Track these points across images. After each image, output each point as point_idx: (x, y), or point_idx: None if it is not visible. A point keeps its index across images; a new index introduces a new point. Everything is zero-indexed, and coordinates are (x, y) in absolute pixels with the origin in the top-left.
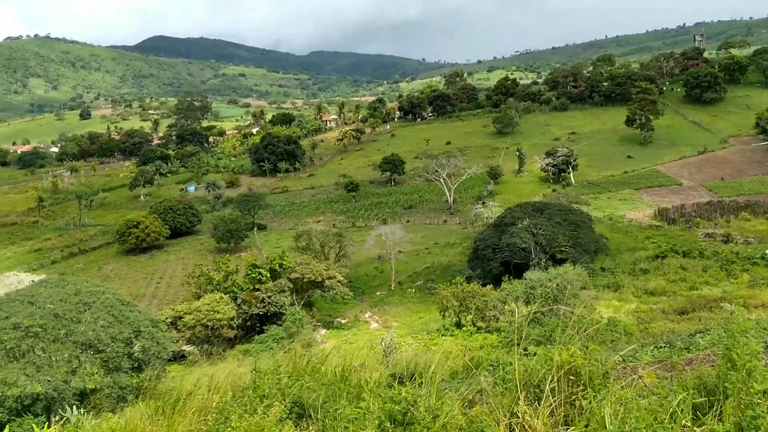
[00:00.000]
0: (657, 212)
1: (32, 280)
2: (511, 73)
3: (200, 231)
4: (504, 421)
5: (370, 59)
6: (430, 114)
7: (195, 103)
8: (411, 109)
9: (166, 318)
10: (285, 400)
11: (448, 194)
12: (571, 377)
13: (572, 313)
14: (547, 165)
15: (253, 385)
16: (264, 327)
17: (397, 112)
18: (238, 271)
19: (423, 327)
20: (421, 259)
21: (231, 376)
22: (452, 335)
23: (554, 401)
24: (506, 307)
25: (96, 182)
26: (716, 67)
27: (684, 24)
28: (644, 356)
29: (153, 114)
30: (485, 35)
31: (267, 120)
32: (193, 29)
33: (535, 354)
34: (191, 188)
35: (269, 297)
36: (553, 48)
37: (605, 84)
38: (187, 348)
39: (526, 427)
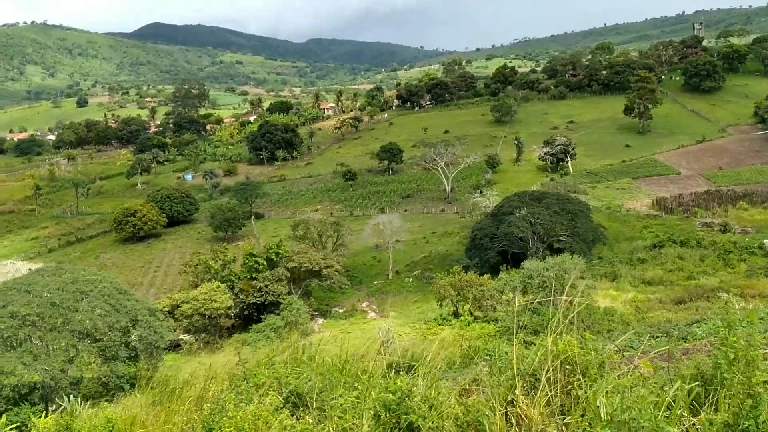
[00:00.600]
0: (655, 201)
1: (29, 269)
2: (510, 62)
3: (197, 220)
4: (500, 410)
5: (369, 47)
6: (428, 102)
7: (192, 90)
8: (409, 98)
9: (164, 307)
10: (282, 390)
11: (446, 183)
12: (567, 367)
13: (569, 302)
14: (545, 154)
15: (249, 375)
16: (261, 316)
17: (395, 101)
18: (235, 260)
19: (420, 316)
20: (419, 248)
21: (228, 365)
22: (449, 325)
23: (550, 391)
24: (503, 296)
25: (93, 170)
26: (715, 55)
27: (683, 12)
28: (641, 346)
29: (150, 102)
30: (484, 23)
31: (264, 108)
32: (191, 16)
33: (531, 344)
34: (188, 177)
35: (266, 286)
36: (551, 36)
37: (604, 72)
38: (183, 337)
39: (522, 416)
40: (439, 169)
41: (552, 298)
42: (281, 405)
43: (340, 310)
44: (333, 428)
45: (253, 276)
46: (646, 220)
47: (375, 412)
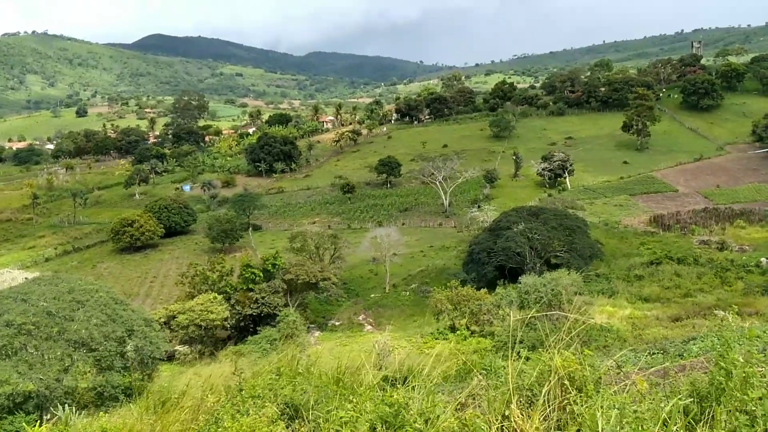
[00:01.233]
0: (652, 218)
1: (26, 278)
2: (509, 77)
3: (195, 231)
4: (496, 424)
5: (368, 61)
6: (427, 117)
7: (192, 102)
8: (408, 112)
9: (160, 318)
10: (277, 402)
11: (443, 197)
12: (564, 382)
13: (566, 318)
14: (543, 169)
15: (245, 386)
16: (257, 328)
17: (394, 114)
18: (232, 271)
19: (417, 330)
20: (416, 262)
21: (224, 377)
22: (446, 339)
23: (547, 406)
24: (500, 311)
25: (91, 180)
26: (713, 74)
27: (682, 30)
28: (637, 362)
29: (149, 112)
30: (484, 39)
31: (264, 120)
32: (192, 28)
33: (528, 359)
34: (187, 187)
35: (263, 298)
36: (551, 52)
37: (602, 89)
38: (179, 348)
39: (518, 431)
40: (437, 183)
41: (548, 313)
42: (277, 417)
43: (337, 323)
44: None
45: (250, 287)
46: (643, 236)
47: (371, 424)
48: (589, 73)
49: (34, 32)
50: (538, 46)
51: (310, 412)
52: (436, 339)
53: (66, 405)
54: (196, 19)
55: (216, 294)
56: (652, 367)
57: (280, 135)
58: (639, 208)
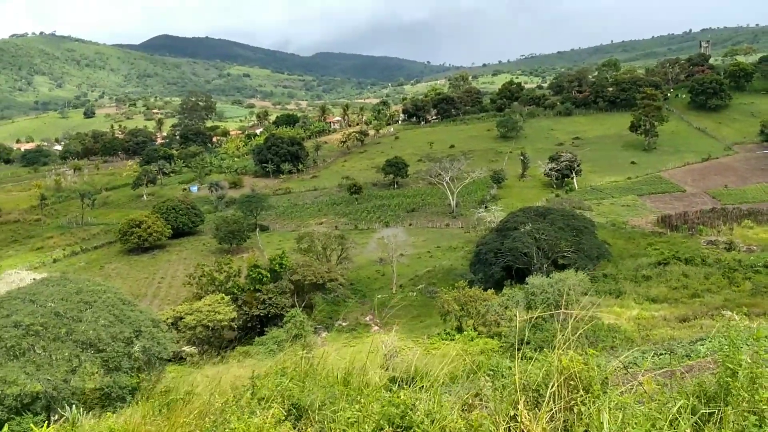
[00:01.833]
0: (660, 219)
1: (33, 279)
2: (516, 77)
3: (202, 231)
4: (503, 425)
5: (375, 61)
6: (434, 117)
7: (199, 102)
8: (415, 112)
9: (167, 318)
10: (284, 402)
11: (450, 198)
12: (570, 382)
13: (573, 318)
14: (550, 170)
15: (252, 387)
16: (264, 329)
17: (401, 115)
18: (240, 272)
19: (424, 331)
20: (423, 262)
21: (231, 377)
22: (453, 340)
23: (553, 406)
24: (507, 312)
25: (99, 181)
26: (722, 73)
27: (690, 30)
28: (644, 363)
29: (157, 113)
30: (491, 39)
31: (271, 121)
32: (200, 29)
33: (534, 359)
34: (194, 188)
35: (270, 298)
36: (558, 52)
37: (610, 89)
38: (187, 349)
39: (525, 431)
40: (444, 183)
41: (555, 312)
42: (283, 418)
43: (344, 324)
44: None
45: (257, 288)
46: (650, 237)
47: (378, 425)
48: (596, 73)
49: (42, 33)
50: (545, 46)
51: (317, 413)
52: (443, 340)
53: (73, 405)
54: (205, 20)
55: (223, 295)
56: (659, 367)
57: (287, 136)
58: (646, 209)
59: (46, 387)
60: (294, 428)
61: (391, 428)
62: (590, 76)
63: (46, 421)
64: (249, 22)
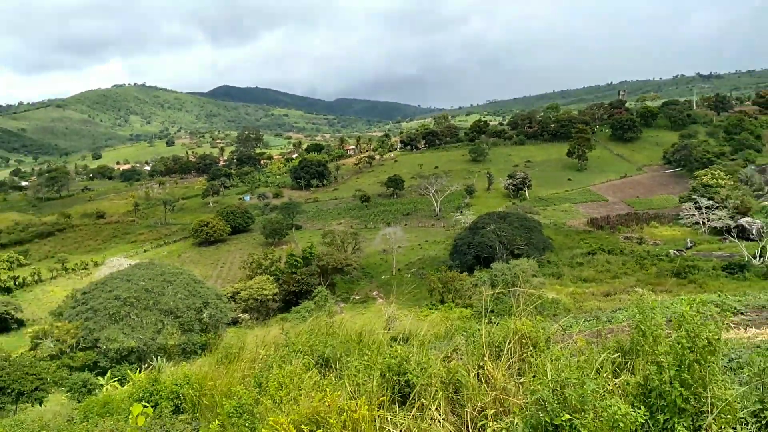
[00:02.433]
0: (589, 221)
1: (129, 264)
2: (483, 117)
3: (253, 229)
4: (473, 371)
5: (380, 105)
6: (423, 146)
7: (251, 135)
8: (409, 142)
9: (227, 293)
10: (312, 354)
11: (435, 205)
12: (523, 341)
13: (525, 294)
14: (508, 185)
15: (289, 343)
16: (299, 301)
17: (399, 144)
18: (280, 259)
19: (416, 303)
20: (415, 252)
21: (273, 337)
22: (437, 309)
23: (510, 358)
24: (477, 289)
25: (177, 192)
26: (634, 114)
27: (611, 82)
28: (577, 326)
29: (220, 143)
30: (465, 88)
31: (303, 148)
32: (250, 79)
33: (497, 323)
34: (247, 198)
35: (302, 278)
36: (514, 98)
37: (552, 125)
38: (241, 315)
39: (489, 376)
40: (431, 194)
41: (512, 289)
42: (312, 366)
43: (357, 297)
44: (349, 384)
45: (293, 271)
46: (582, 234)
47: (381, 372)
48: (542, 114)
49: (135, 84)
50: (505, 94)
51: (337, 362)
52: (429, 309)
53: (158, 357)
54: (254, 74)
55: (268, 276)
56: (588, 330)
57: (315, 159)
58: (579, 213)
59: (138, 343)
60: (320, 374)
61: (391, 374)
62: (538, 116)
63: (138, 369)
64: (287, 75)
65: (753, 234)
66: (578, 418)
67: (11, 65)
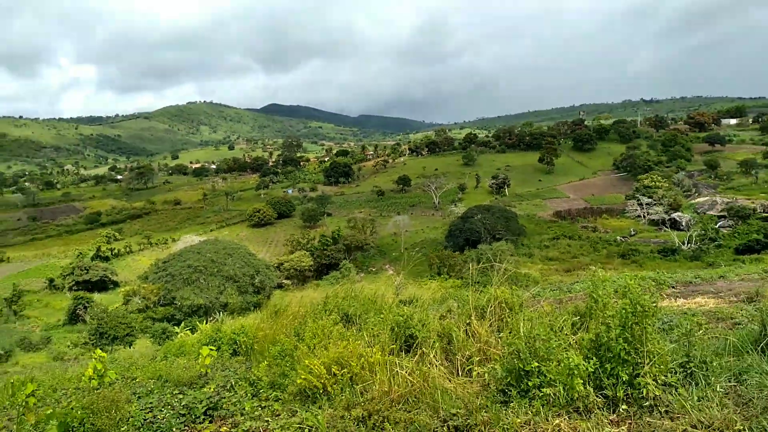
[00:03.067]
0: (555, 213)
1: (199, 240)
2: (473, 130)
3: (294, 215)
4: (462, 328)
5: (393, 120)
6: (426, 153)
7: (293, 143)
8: (415, 149)
9: (274, 264)
10: (339, 312)
11: (435, 199)
12: (501, 305)
13: (503, 269)
14: (492, 184)
15: (321, 303)
16: (329, 271)
17: (407, 151)
18: (315, 239)
19: (418, 274)
20: (419, 235)
21: (309, 298)
22: (435, 280)
23: (491, 318)
24: (466, 264)
25: (236, 186)
26: (591, 130)
27: (574, 104)
28: (544, 294)
29: (269, 148)
30: (460, 107)
31: (333, 153)
32: (293, 98)
33: (481, 291)
34: (290, 191)
35: (332, 254)
36: (498, 116)
37: (527, 138)
38: (285, 281)
39: (475, 332)
40: (432, 190)
41: (493, 264)
42: (338, 321)
43: (373, 269)
44: (367, 335)
45: (324, 248)
46: (549, 223)
47: (391, 326)
48: (519, 128)
49: (204, 101)
50: (491, 112)
51: (357, 319)
52: (429, 279)
53: (221, 312)
54: (296, 94)
55: (305, 251)
56: (553, 297)
57: (342, 162)
58: (547, 207)
59: (205, 301)
60: (344, 327)
61: (399, 328)
62: (516, 130)
63: (205, 321)
64: (321, 95)
65: (683, 225)
66: (545, 366)
67: (112, 86)
